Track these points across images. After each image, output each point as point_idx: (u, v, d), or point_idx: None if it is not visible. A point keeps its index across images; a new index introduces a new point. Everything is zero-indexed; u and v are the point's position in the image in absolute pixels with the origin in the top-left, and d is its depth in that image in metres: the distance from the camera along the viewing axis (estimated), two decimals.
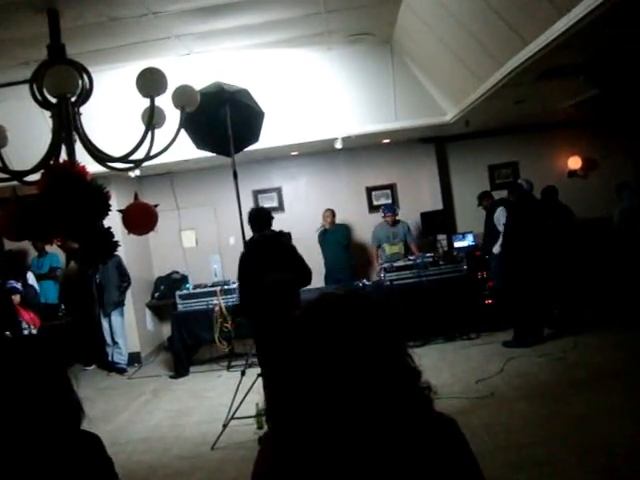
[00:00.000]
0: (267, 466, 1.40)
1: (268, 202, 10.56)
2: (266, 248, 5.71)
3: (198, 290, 8.88)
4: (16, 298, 7.79)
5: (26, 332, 7.59)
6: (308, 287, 6.98)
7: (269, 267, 5.57)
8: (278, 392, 1.40)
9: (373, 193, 10.63)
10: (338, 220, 9.79)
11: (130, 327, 9.45)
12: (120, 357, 9.15)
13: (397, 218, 9.55)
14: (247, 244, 5.90)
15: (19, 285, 7.32)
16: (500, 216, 8.41)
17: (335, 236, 9.59)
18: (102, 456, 1.84)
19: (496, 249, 8.45)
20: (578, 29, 4.24)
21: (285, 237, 6.79)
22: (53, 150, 3.81)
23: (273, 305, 5.44)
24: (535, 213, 7.94)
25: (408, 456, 1.31)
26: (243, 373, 6.11)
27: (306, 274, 5.81)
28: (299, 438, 1.33)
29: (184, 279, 9.95)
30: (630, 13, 4.26)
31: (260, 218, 5.84)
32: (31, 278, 8.01)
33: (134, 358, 9.47)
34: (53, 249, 8.26)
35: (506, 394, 6.05)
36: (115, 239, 3.94)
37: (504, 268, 8.08)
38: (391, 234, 9.48)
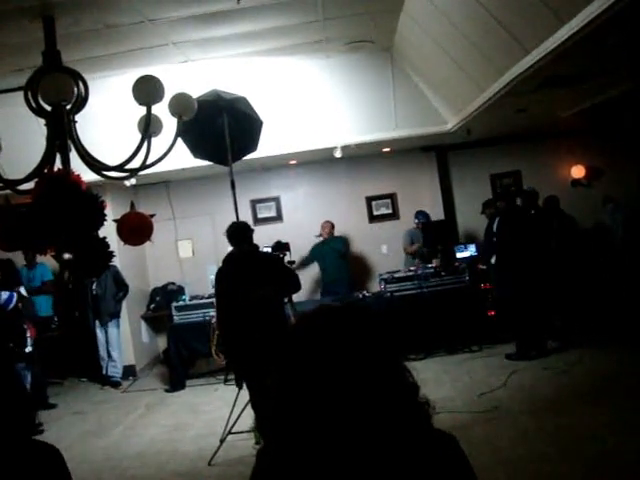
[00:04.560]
0: None
1: (266, 212, 10.52)
2: (243, 264, 5.55)
3: (195, 302, 8.82)
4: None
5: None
6: (305, 300, 6.92)
7: (245, 284, 5.42)
8: (272, 405, 1.35)
9: (373, 203, 10.53)
10: (337, 230, 9.69)
11: (125, 339, 9.33)
12: (115, 370, 9.04)
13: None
14: (224, 260, 5.77)
15: (6, 294, 7.22)
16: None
17: (331, 247, 9.48)
18: (58, 470, 1.75)
19: (494, 259, 8.39)
20: (579, 37, 4.21)
21: (279, 248, 6.73)
22: (47, 158, 3.78)
23: (251, 322, 5.35)
24: (529, 222, 7.87)
25: (407, 474, 1.27)
26: (240, 387, 6.00)
27: (293, 283, 5.72)
28: (294, 453, 1.29)
29: (180, 290, 9.85)
30: (632, 22, 4.21)
31: (237, 233, 5.66)
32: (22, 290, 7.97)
33: (129, 371, 9.35)
34: (42, 259, 8.19)
35: (509, 408, 5.95)
36: (110, 249, 3.87)
37: (497, 278, 8.02)
38: (421, 239, 9.50)
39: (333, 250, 9.44)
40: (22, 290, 7.75)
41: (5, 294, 7.19)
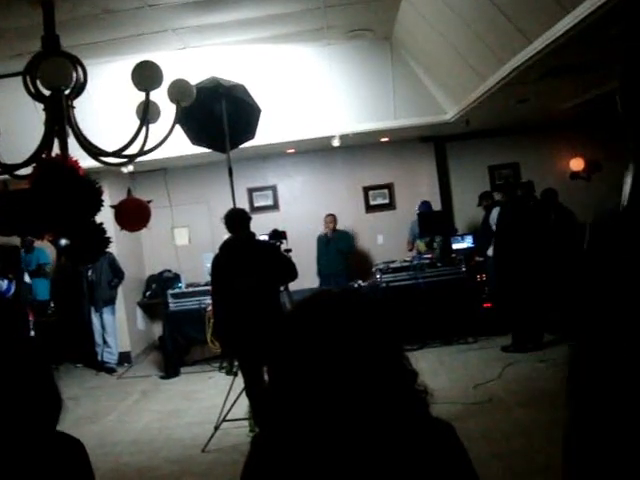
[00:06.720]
0: (256, 470, 1.36)
1: (263, 200, 10.48)
2: (239, 252, 5.51)
3: (190, 289, 8.82)
4: None
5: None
6: (302, 288, 6.90)
7: (242, 271, 5.39)
8: (268, 392, 1.34)
9: (370, 193, 10.48)
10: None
11: (121, 326, 9.33)
12: (110, 356, 9.04)
13: None
14: (221, 247, 5.72)
15: (5, 282, 7.21)
16: (495, 217, 8.33)
17: (337, 245, 9.41)
18: (82, 463, 1.74)
19: (490, 251, 8.38)
20: (583, 27, 4.17)
21: (276, 237, 6.70)
22: (45, 144, 3.74)
23: (246, 309, 5.33)
24: (529, 214, 7.85)
25: (403, 462, 1.26)
26: (235, 374, 6.00)
27: (289, 271, 5.66)
28: (290, 441, 1.28)
29: (176, 278, 9.82)
30: (636, 11, 4.18)
31: (235, 220, 5.60)
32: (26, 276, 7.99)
33: (124, 357, 9.34)
34: (40, 244, 8.17)
35: (504, 400, 5.96)
36: (107, 235, 3.85)
37: (497, 270, 8.01)
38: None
39: (338, 250, 9.36)
40: (26, 277, 7.76)
41: (5, 282, 7.18)
